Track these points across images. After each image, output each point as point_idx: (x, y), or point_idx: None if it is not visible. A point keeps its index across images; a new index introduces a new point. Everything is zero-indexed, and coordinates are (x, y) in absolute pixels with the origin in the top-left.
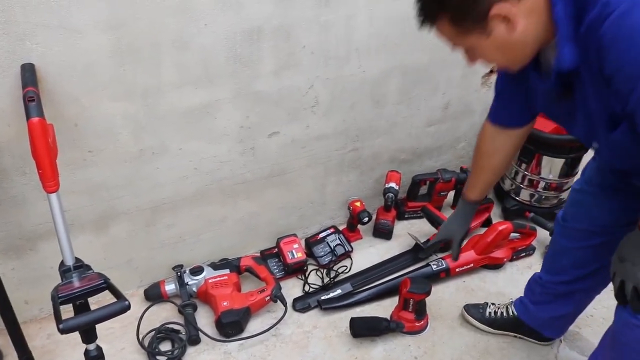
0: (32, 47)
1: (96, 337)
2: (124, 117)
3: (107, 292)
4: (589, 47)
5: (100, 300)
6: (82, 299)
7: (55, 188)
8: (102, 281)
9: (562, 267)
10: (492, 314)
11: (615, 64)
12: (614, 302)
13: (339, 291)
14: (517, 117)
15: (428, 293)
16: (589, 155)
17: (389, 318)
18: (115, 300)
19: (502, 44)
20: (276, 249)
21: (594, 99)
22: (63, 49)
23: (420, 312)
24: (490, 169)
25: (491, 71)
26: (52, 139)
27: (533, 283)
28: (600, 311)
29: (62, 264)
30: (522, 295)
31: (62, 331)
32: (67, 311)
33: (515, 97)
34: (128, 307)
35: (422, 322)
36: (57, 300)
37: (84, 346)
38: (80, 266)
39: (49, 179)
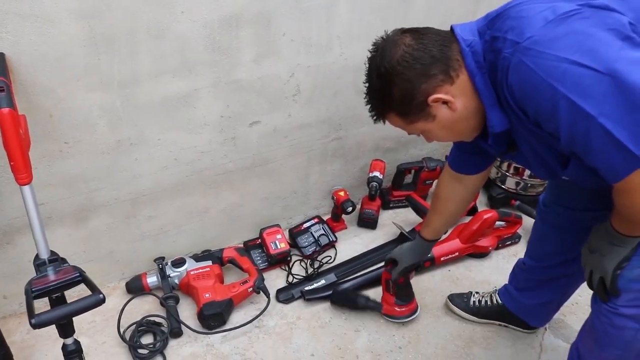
0: (3, 36)
1: (74, 331)
2: (100, 108)
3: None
4: (508, 101)
5: (82, 294)
6: (57, 292)
7: (28, 180)
8: (77, 274)
9: (545, 252)
10: (477, 303)
11: (533, 108)
12: None
13: (323, 282)
14: (472, 166)
15: (405, 277)
16: None
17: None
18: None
19: (448, 123)
20: (259, 240)
21: (538, 145)
22: (35, 38)
23: (401, 296)
24: (445, 214)
25: None
26: (25, 131)
27: (517, 269)
28: (586, 298)
29: (36, 257)
30: (507, 282)
31: (35, 326)
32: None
33: (469, 149)
34: (103, 301)
35: (403, 309)
36: (31, 294)
37: None
38: (56, 259)
39: (21, 171)
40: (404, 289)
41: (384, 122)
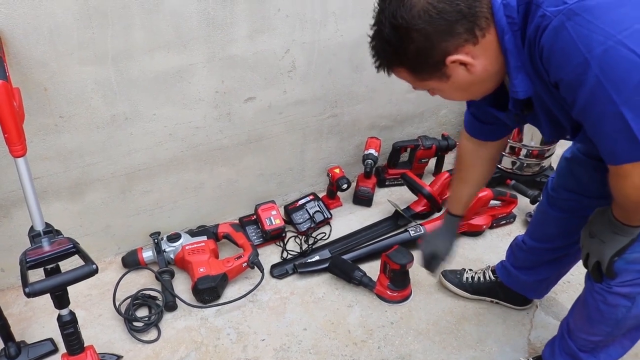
0: None
1: (68, 303)
2: (95, 82)
3: None
4: (536, 60)
5: None
6: (51, 263)
7: (22, 152)
8: (71, 245)
9: (549, 235)
10: (469, 280)
11: (556, 74)
12: None
13: (316, 257)
14: (491, 134)
15: (401, 266)
16: None
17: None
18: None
19: (462, 85)
20: (254, 216)
21: (554, 105)
22: (27, 11)
23: (396, 282)
24: (473, 181)
25: None
26: (18, 103)
27: (516, 248)
28: (578, 277)
29: (31, 229)
30: (504, 259)
31: (29, 295)
32: None
33: (487, 118)
34: (95, 271)
35: (395, 294)
36: (25, 264)
37: None
38: (50, 231)
39: (15, 143)
40: (400, 275)
41: (389, 75)
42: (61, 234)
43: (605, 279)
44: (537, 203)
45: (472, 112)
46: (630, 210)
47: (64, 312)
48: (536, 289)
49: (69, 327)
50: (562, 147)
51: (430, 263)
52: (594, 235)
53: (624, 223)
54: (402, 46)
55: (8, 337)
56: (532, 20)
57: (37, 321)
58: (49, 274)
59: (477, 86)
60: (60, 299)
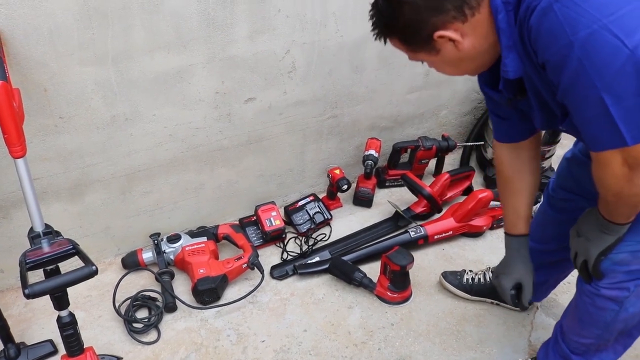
0: None
1: (68, 304)
2: (95, 83)
3: None
4: (525, 40)
5: None
6: (51, 264)
7: (22, 153)
8: (71, 247)
9: (549, 236)
10: (470, 281)
11: (543, 55)
12: None
13: (317, 258)
14: (513, 132)
15: (402, 267)
16: None
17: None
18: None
19: (452, 61)
20: (255, 217)
21: (545, 92)
22: (28, 11)
23: (396, 283)
24: (522, 191)
25: None
26: (18, 104)
27: None
28: None
29: (31, 230)
30: None
31: (28, 296)
32: None
33: (508, 114)
34: (95, 272)
35: (395, 295)
36: (25, 265)
37: None
38: (50, 232)
39: (15, 144)
40: (401, 276)
41: (385, 43)
42: (61, 235)
43: (593, 280)
44: (538, 204)
45: (490, 109)
46: (611, 203)
47: (64, 313)
48: (535, 291)
49: (69, 328)
50: (563, 148)
51: (519, 297)
52: (581, 233)
53: (609, 220)
54: (393, 18)
55: (8, 338)
56: (524, 0)
57: (36, 322)
58: (48, 275)
59: (467, 63)
60: (60, 300)
